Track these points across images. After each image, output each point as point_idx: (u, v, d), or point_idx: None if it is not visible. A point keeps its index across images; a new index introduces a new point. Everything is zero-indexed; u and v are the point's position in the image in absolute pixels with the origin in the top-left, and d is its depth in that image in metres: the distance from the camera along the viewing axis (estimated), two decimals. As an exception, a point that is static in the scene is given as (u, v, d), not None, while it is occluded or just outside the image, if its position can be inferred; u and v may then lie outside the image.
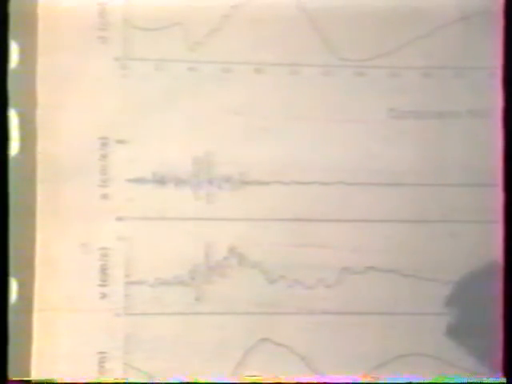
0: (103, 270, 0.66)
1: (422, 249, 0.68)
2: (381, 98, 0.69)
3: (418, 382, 0.66)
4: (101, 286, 0.66)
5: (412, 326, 0.68)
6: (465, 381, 0.67)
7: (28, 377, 0.64)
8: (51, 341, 0.65)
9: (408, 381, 0.66)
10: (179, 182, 0.66)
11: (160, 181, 0.66)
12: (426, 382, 0.67)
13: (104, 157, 0.66)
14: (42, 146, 0.65)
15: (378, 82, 0.69)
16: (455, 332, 0.68)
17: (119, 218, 0.66)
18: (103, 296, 0.66)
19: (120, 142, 0.66)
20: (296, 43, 0.68)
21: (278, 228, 0.67)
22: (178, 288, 0.66)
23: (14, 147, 0.64)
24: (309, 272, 0.68)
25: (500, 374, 0.64)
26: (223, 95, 0.67)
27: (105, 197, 0.66)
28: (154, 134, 0.66)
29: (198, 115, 0.67)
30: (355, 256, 0.68)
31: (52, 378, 0.64)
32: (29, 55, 0.64)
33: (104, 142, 0.66)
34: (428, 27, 0.69)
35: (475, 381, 0.67)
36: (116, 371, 0.66)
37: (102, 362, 0.65)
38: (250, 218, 0.67)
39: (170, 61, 0.66)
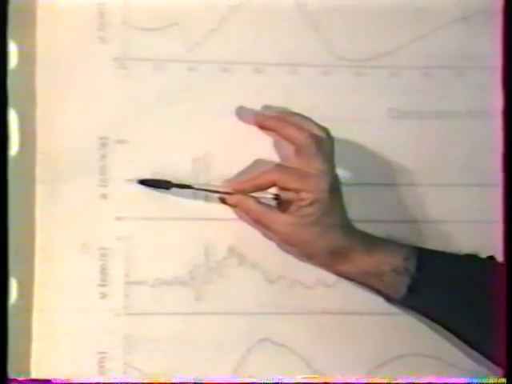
0: (103, 270, 0.66)
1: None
2: (381, 98, 0.69)
3: (418, 382, 0.66)
4: (101, 285, 0.66)
5: (412, 326, 0.68)
6: (465, 381, 0.67)
7: (28, 376, 0.64)
8: (51, 340, 0.65)
9: (408, 381, 0.66)
10: (179, 181, 0.66)
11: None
12: (426, 382, 0.67)
13: (104, 157, 0.66)
14: (42, 145, 0.65)
15: (378, 82, 0.69)
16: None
17: (119, 218, 0.66)
18: (103, 296, 0.66)
19: (120, 142, 0.66)
20: (296, 43, 0.68)
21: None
22: (178, 288, 0.66)
23: (13, 147, 0.64)
24: (309, 272, 0.68)
25: (500, 374, 0.64)
26: (223, 95, 0.67)
27: (104, 197, 0.66)
28: (154, 134, 0.66)
29: (198, 115, 0.67)
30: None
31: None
32: (29, 55, 0.64)
33: (104, 142, 0.66)
34: (428, 27, 0.69)
35: (475, 381, 0.67)
36: (116, 371, 0.65)
37: (101, 362, 0.65)
38: (250, 218, 0.67)
39: (169, 61, 0.66)
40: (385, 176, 0.69)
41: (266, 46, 0.67)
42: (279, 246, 0.67)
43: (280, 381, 0.66)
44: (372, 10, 0.68)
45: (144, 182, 0.65)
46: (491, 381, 0.65)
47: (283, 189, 0.65)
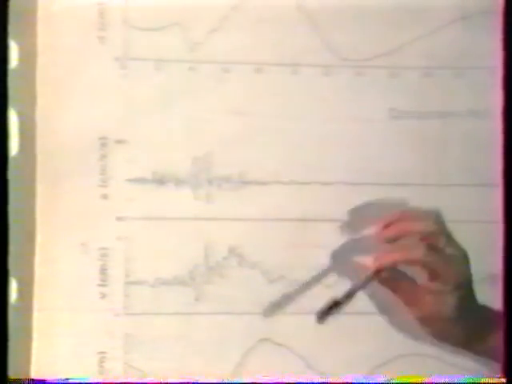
0: (103, 270, 0.66)
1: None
2: (381, 98, 0.69)
3: (418, 382, 0.66)
4: (101, 285, 0.66)
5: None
6: (465, 381, 0.67)
7: (28, 376, 0.64)
8: (51, 340, 0.65)
9: (408, 381, 0.66)
10: (179, 182, 0.66)
11: (160, 181, 0.66)
12: (426, 382, 0.67)
13: (104, 157, 0.66)
14: (42, 145, 0.65)
15: (378, 82, 0.69)
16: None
17: (119, 218, 0.66)
18: (103, 296, 0.66)
19: (120, 141, 0.66)
20: (296, 43, 0.68)
21: (278, 228, 0.67)
22: (178, 288, 0.66)
23: (13, 147, 0.64)
24: (309, 272, 0.68)
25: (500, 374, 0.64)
26: (223, 95, 0.67)
27: (105, 197, 0.66)
28: (154, 134, 0.66)
29: (198, 115, 0.67)
30: (355, 256, 0.68)
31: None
32: (29, 55, 0.64)
33: (104, 142, 0.66)
34: (428, 27, 0.69)
35: (475, 381, 0.67)
36: (116, 371, 0.66)
37: (101, 362, 0.65)
38: (250, 218, 0.67)
39: (169, 61, 0.66)
40: (385, 176, 0.69)
41: (266, 45, 0.67)
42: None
43: (280, 381, 0.66)
44: (372, 10, 0.68)
45: (321, 316, 0.64)
46: (491, 381, 0.65)
47: (427, 271, 0.63)
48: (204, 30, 0.66)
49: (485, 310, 0.65)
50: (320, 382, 0.67)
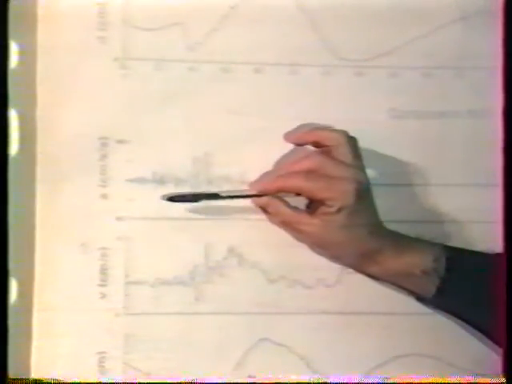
0: (103, 270, 0.66)
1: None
2: (381, 98, 0.69)
3: (418, 382, 0.66)
4: (101, 285, 0.66)
5: (412, 326, 0.68)
6: (465, 381, 0.67)
7: (28, 376, 0.64)
8: (51, 340, 0.65)
9: (408, 381, 0.66)
10: (179, 181, 0.66)
11: (160, 181, 0.66)
12: (425, 382, 0.67)
13: (104, 157, 0.66)
14: (42, 145, 0.65)
15: (378, 82, 0.69)
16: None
17: (119, 218, 0.66)
18: (103, 296, 0.66)
19: (120, 141, 0.66)
20: (296, 43, 0.68)
21: (278, 228, 0.67)
22: (178, 288, 0.66)
23: (13, 147, 0.64)
24: (309, 272, 0.68)
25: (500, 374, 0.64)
26: (223, 95, 0.67)
27: (105, 197, 0.66)
28: (154, 134, 0.66)
29: (198, 115, 0.67)
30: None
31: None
32: (29, 55, 0.64)
33: (104, 142, 0.66)
34: (428, 27, 0.69)
35: (475, 381, 0.67)
36: (116, 371, 0.65)
37: (101, 362, 0.65)
38: (250, 218, 0.67)
39: (169, 61, 0.66)
40: (384, 176, 0.69)
41: (266, 45, 0.67)
42: (294, 242, 0.67)
43: (280, 381, 0.66)
44: (372, 10, 0.68)
45: (172, 199, 0.65)
46: (491, 381, 0.65)
47: (309, 198, 0.65)
48: (204, 29, 0.67)
49: (391, 236, 0.65)
50: (320, 382, 0.67)
